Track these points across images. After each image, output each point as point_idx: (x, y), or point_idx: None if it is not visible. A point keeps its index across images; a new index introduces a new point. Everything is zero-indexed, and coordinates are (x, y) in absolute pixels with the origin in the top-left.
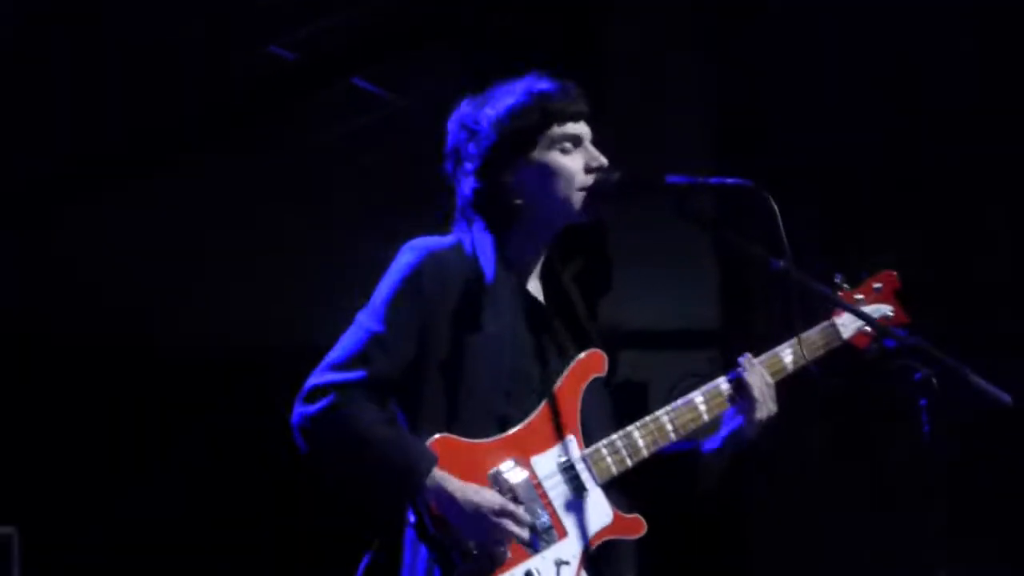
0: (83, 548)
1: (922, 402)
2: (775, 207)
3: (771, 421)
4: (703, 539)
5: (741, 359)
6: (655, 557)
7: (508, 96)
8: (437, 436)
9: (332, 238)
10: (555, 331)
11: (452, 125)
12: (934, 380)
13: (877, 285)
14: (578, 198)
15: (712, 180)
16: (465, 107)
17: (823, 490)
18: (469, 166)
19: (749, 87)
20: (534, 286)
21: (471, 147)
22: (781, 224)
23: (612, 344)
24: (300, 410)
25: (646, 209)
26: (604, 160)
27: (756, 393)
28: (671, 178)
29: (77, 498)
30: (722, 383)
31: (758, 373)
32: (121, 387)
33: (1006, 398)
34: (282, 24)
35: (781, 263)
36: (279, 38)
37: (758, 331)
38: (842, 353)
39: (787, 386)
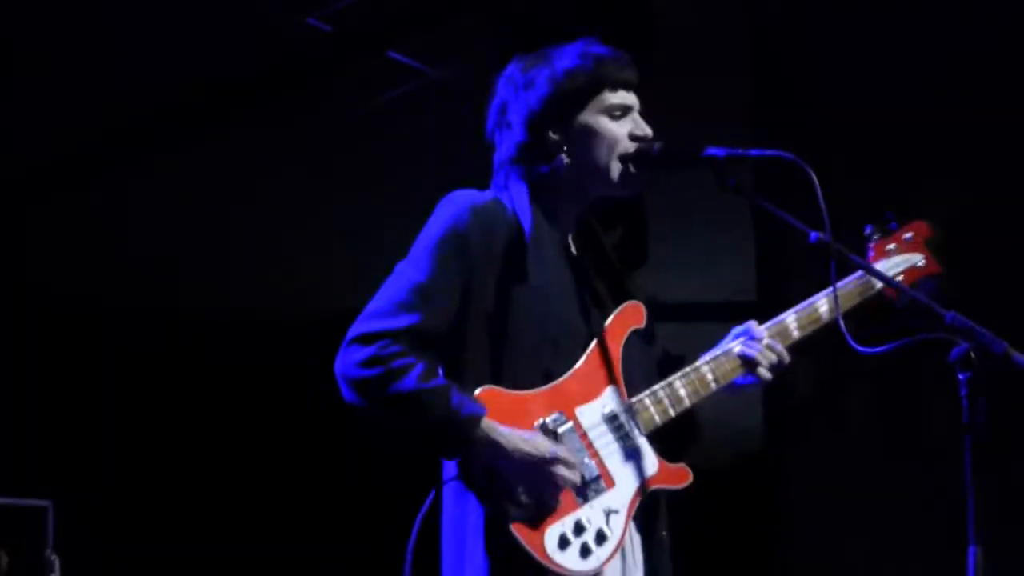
0: (116, 522)
1: (961, 376)
2: (814, 178)
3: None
4: (734, 503)
5: (745, 331)
6: (689, 517)
7: (562, 56)
8: (484, 388)
9: (367, 208)
10: (595, 286)
11: (502, 81)
12: (973, 355)
13: (908, 235)
14: (617, 166)
15: (751, 152)
16: (515, 64)
17: (861, 460)
18: (516, 120)
19: (785, 54)
20: (574, 250)
21: (520, 102)
22: (820, 195)
23: (653, 311)
24: (345, 359)
25: (684, 181)
26: (649, 131)
27: (758, 358)
28: (710, 150)
29: (111, 473)
30: (734, 346)
31: (766, 343)
32: (153, 360)
33: None
34: None
35: (819, 235)
36: (317, 10)
37: (795, 302)
38: (879, 316)
39: (825, 350)
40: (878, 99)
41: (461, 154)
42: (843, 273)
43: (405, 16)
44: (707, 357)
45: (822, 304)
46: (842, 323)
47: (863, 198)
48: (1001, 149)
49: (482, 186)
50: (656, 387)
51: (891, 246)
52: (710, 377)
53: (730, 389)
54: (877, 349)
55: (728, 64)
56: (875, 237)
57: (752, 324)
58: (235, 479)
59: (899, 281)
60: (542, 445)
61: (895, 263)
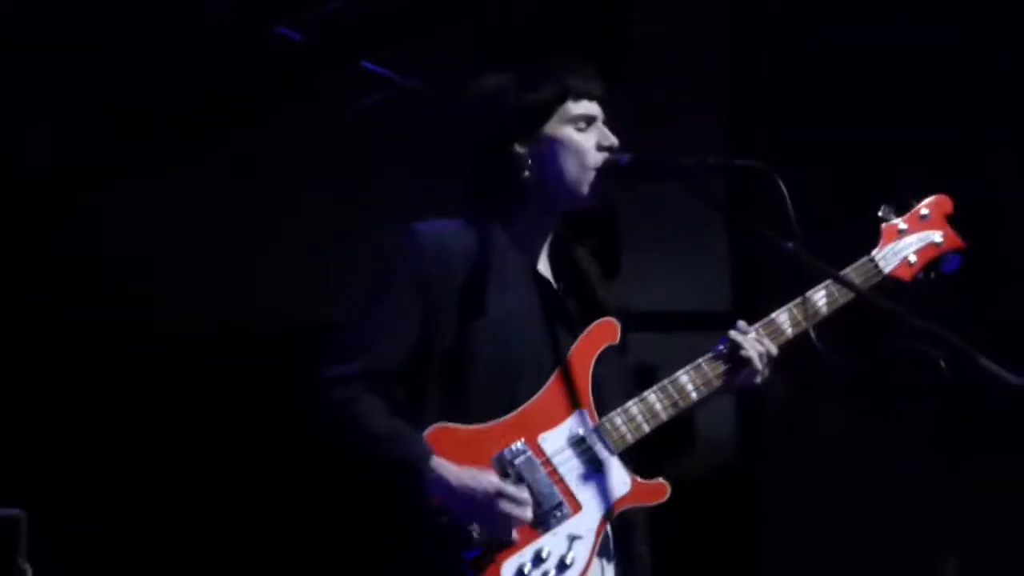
0: (89, 533)
1: (935, 383)
2: (783, 189)
3: (773, 371)
4: (717, 513)
5: (734, 329)
6: (669, 530)
7: (526, 70)
8: (434, 427)
9: (351, 218)
10: (566, 310)
11: (470, 94)
12: (942, 363)
13: (925, 212)
14: (588, 176)
15: (721, 161)
16: (484, 81)
17: (839, 468)
18: (483, 138)
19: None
20: (543, 266)
21: (486, 119)
22: (790, 206)
23: (623, 326)
24: (309, 402)
25: (655, 191)
26: (616, 140)
27: (750, 351)
28: (682, 159)
29: (85, 483)
30: (718, 349)
31: (750, 339)
32: (135, 372)
33: (1014, 379)
34: (291, 4)
35: (790, 245)
36: (287, 18)
37: (769, 312)
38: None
39: (800, 362)
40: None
41: (439, 165)
42: (817, 281)
43: (379, 27)
44: (688, 367)
45: (819, 297)
46: (813, 334)
47: (835, 205)
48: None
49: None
50: (629, 404)
51: (903, 226)
52: (690, 388)
53: (719, 393)
54: (849, 359)
55: (701, 72)
56: (888, 218)
57: (741, 323)
58: (217, 493)
59: (862, 286)
60: (488, 481)
61: (907, 243)
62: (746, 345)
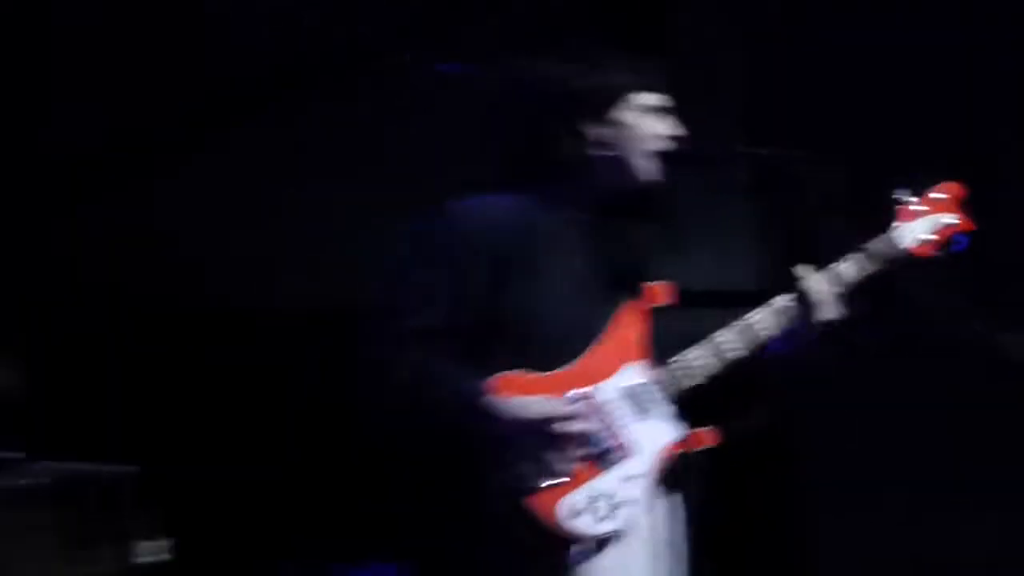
0: (200, 491)
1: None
2: (836, 180)
3: (834, 326)
4: (761, 467)
5: (796, 271)
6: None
7: (597, 55)
8: (499, 375)
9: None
10: (620, 280)
11: (530, 77)
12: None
13: (938, 195)
14: (647, 162)
15: (775, 151)
16: (548, 62)
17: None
18: (547, 117)
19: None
20: (599, 242)
21: (552, 98)
22: (839, 198)
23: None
24: (363, 355)
25: (700, 177)
26: (679, 130)
27: (814, 296)
28: (739, 148)
29: (196, 442)
30: (778, 300)
31: (815, 279)
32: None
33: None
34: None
35: (830, 228)
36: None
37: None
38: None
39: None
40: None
41: (485, 150)
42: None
43: (429, 15)
44: (731, 325)
45: (848, 267)
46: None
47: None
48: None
49: (498, 183)
50: (680, 356)
51: (921, 207)
52: (732, 342)
53: (783, 338)
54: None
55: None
56: (904, 200)
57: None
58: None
59: (885, 258)
60: (549, 407)
61: (923, 223)
62: (812, 284)
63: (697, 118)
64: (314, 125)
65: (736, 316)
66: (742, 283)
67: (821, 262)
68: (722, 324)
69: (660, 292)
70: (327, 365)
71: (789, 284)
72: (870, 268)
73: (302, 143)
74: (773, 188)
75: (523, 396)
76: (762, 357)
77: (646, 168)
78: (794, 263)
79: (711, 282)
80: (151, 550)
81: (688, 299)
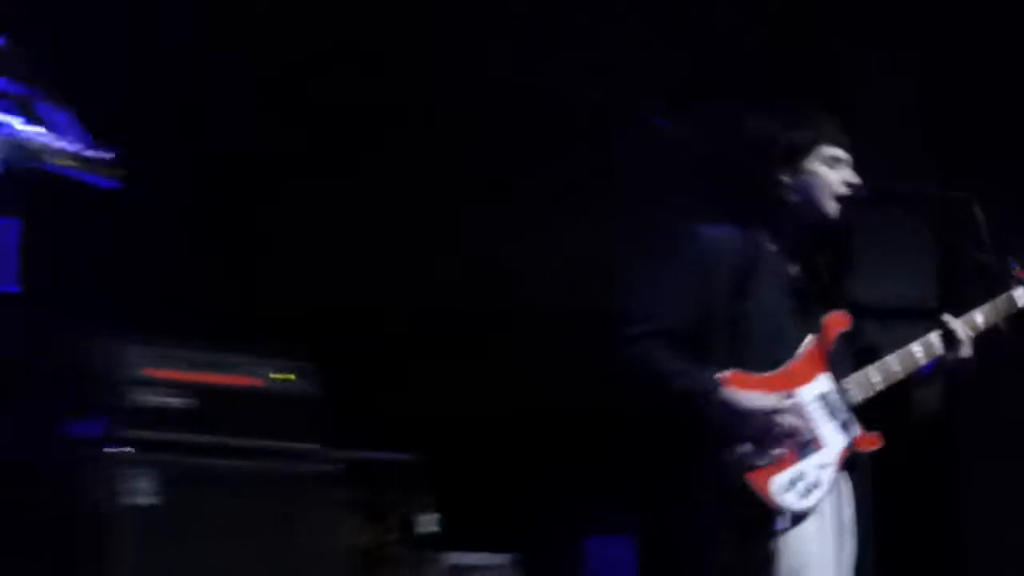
0: (497, 480)
1: None
2: (981, 216)
3: (970, 363)
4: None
5: (944, 317)
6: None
7: (794, 116)
8: (730, 370)
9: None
10: (810, 298)
11: (745, 133)
12: None
13: None
14: (833, 204)
15: (934, 192)
16: (754, 120)
17: None
18: (754, 167)
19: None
20: (795, 268)
21: (760, 151)
22: (985, 231)
23: (855, 315)
24: (620, 352)
25: (883, 212)
26: (858, 180)
27: (961, 335)
28: (905, 189)
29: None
30: (932, 336)
31: (959, 324)
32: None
33: None
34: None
35: (983, 260)
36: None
37: (965, 308)
38: None
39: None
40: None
41: (714, 190)
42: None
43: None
44: (895, 353)
45: (978, 316)
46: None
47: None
48: None
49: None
50: (859, 372)
51: None
52: (898, 368)
53: (935, 363)
54: None
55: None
56: (1016, 267)
57: (947, 315)
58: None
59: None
60: (773, 404)
61: None
62: (958, 328)
63: (879, 161)
64: (581, 164)
65: (903, 328)
66: (912, 302)
67: (969, 295)
68: (892, 335)
69: (843, 320)
70: (587, 362)
71: (949, 307)
72: (993, 320)
73: (575, 179)
74: (940, 226)
75: (747, 391)
76: (914, 379)
77: (831, 208)
78: (953, 291)
79: (887, 298)
80: (426, 523)
81: (868, 312)
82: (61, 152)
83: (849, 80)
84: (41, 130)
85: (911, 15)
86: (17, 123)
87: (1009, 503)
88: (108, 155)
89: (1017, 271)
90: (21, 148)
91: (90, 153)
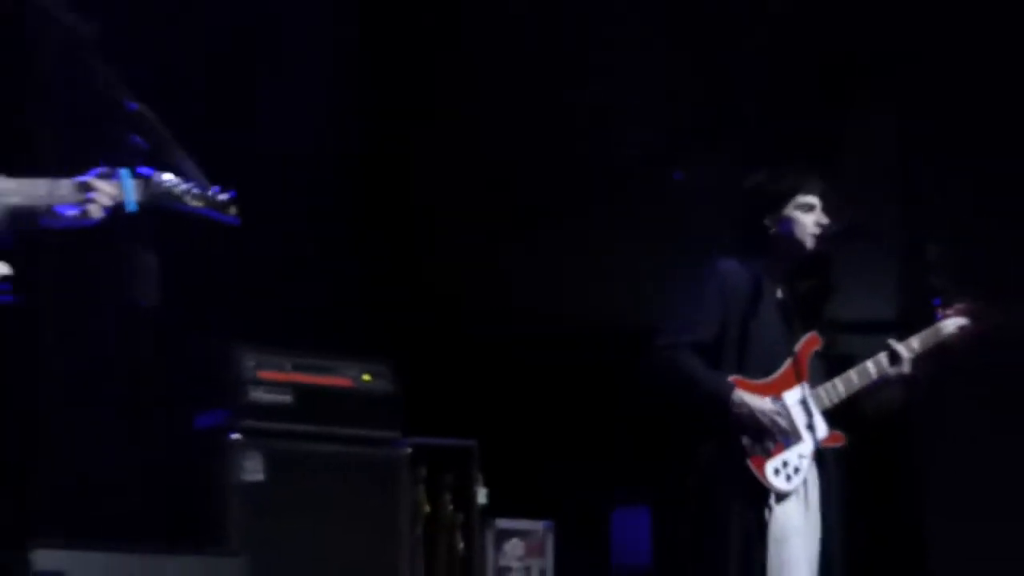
0: (536, 460)
1: None
2: (934, 257)
3: (911, 377)
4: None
5: (890, 341)
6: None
7: (777, 171)
8: (734, 376)
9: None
10: (794, 319)
11: (742, 186)
12: None
13: (963, 306)
14: (809, 240)
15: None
16: (749, 177)
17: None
18: (749, 212)
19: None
20: (782, 292)
21: (752, 200)
22: (938, 267)
23: (831, 330)
24: (652, 358)
25: (855, 247)
26: (827, 221)
27: (903, 355)
28: (867, 230)
29: (531, 415)
30: (881, 355)
31: (901, 347)
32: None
33: None
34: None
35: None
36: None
37: (924, 324)
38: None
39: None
40: None
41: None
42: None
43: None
44: (855, 368)
45: (915, 340)
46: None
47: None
48: None
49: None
50: (827, 383)
51: (953, 312)
52: (856, 380)
53: (885, 377)
54: None
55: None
56: (942, 306)
57: (891, 341)
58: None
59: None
60: (771, 406)
61: (954, 322)
62: (900, 349)
63: (857, 201)
64: (621, 210)
65: (868, 341)
66: (875, 319)
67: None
68: (859, 345)
69: (814, 340)
70: (624, 368)
71: (911, 322)
72: (926, 345)
73: (619, 222)
74: (901, 260)
75: (748, 393)
76: (870, 389)
77: (808, 244)
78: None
79: (856, 316)
80: (477, 495)
81: (841, 327)
82: (190, 194)
83: (832, 138)
84: (173, 177)
85: (887, 80)
86: (157, 174)
87: (958, 486)
88: (228, 196)
89: (942, 310)
90: (159, 192)
91: (212, 194)
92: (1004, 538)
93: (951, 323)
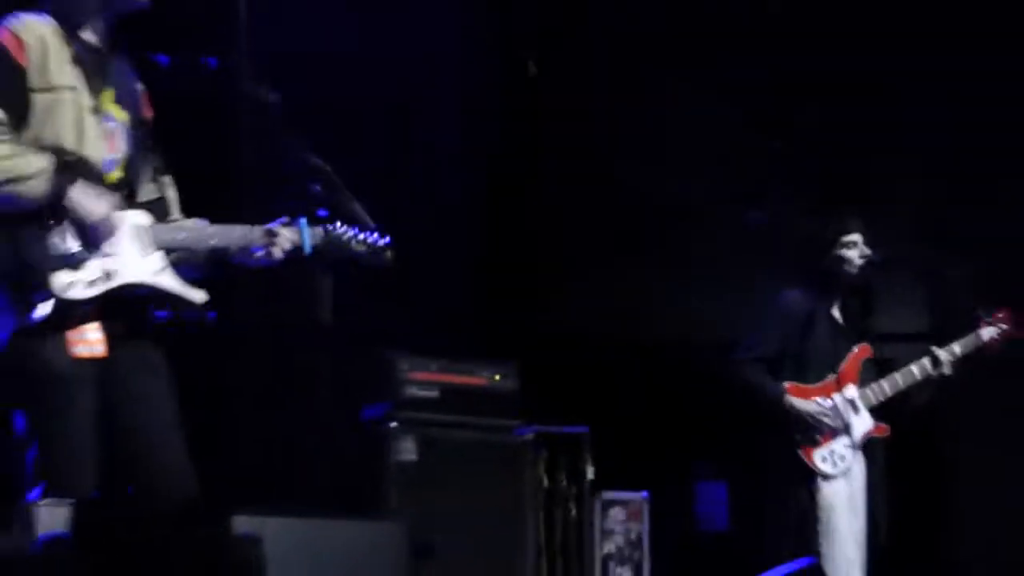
0: (636, 444)
1: None
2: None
3: (951, 379)
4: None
5: (932, 347)
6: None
7: (824, 219)
8: (789, 383)
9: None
10: (846, 334)
11: (798, 235)
12: None
13: (1000, 315)
14: (857, 270)
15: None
16: (802, 225)
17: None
18: (808, 251)
19: None
20: (836, 311)
21: (809, 241)
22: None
23: (876, 340)
24: (728, 370)
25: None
26: (869, 251)
27: (943, 359)
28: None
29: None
30: (925, 359)
31: (942, 352)
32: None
33: None
34: None
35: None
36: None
37: (949, 340)
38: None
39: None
40: None
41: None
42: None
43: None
44: (899, 371)
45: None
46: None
47: None
48: None
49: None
50: (875, 383)
51: (992, 320)
52: (900, 381)
53: (928, 378)
54: None
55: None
56: (983, 314)
57: (934, 347)
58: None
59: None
60: (814, 407)
61: (992, 331)
62: (941, 355)
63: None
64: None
65: (908, 349)
66: (914, 332)
67: (954, 329)
68: (900, 352)
69: (865, 350)
70: (707, 374)
71: (938, 341)
72: (966, 350)
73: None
74: (934, 284)
75: (799, 397)
76: (913, 388)
77: (853, 273)
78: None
79: (896, 329)
80: (589, 473)
81: (884, 338)
82: (355, 240)
83: (869, 182)
84: (343, 225)
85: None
86: (332, 224)
87: (988, 475)
88: (385, 243)
89: (983, 319)
90: (330, 239)
91: (373, 241)
92: (1015, 510)
93: (991, 330)
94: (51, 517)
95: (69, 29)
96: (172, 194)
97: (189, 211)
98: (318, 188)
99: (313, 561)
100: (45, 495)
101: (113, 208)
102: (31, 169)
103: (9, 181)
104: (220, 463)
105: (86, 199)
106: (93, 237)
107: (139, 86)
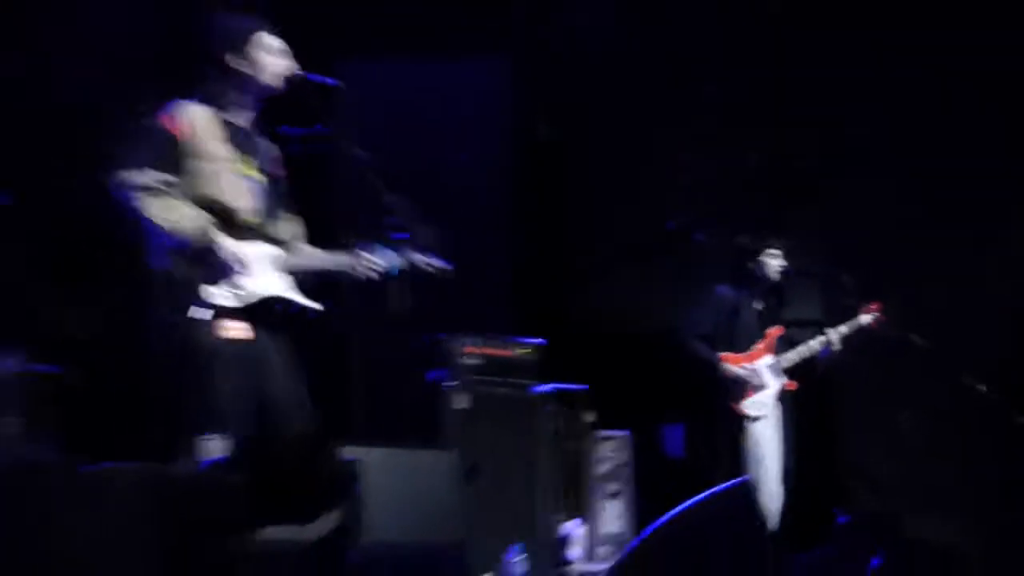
0: (628, 400)
1: None
2: (849, 284)
3: (840, 353)
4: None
5: (826, 329)
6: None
7: (756, 235)
8: (723, 353)
9: None
10: (764, 319)
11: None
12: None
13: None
14: (773, 274)
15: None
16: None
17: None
18: (743, 257)
19: None
20: (759, 306)
21: (744, 251)
22: (849, 290)
23: (786, 325)
24: (678, 345)
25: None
26: (785, 262)
27: (833, 338)
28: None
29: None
30: (820, 337)
31: (833, 332)
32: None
33: None
34: None
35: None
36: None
37: (841, 320)
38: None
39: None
40: None
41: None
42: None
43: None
44: (812, 340)
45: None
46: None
47: None
48: None
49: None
50: (786, 353)
51: (869, 309)
52: (806, 351)
53: (823, 353)
54: None
55: None
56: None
57: (828, 329)
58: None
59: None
60: (742, 371)
61: (869, 317)
62: (831, 334)
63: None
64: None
65: (808, 332)
66: (811, 319)
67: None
68: (803, 335)
69: (777, 330)
70: (663, 350)
71: (831, 325)
72: (849, 330)
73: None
74: (826, 283)
75: (732, 364)
76: (815, 360)
77: (771, 276)
78: (835, 313)
79: (799, 317)
80: (588, 416)
81: (791, 323)
82: (423, 263)
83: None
84: (416, 254)
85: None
86: (409, 251)
87: (865, 419)
88: (443, 264)
89: (861, 309)
90: (409, 263)
91: (436, 264)
92: (883, 445)
93: (867, 317)
94: (211, 447)
95: (217, 110)
96: (299, 230)
97: (310, 241)
98: (398, 221)
99: (400, 478)
100: (205, 432)
101: (253, 245)
102: (186, 222)
103: (175, 231)
104: (335, 411)
105: (227, 240)
106: (239, 266)
107: (275, 152)
